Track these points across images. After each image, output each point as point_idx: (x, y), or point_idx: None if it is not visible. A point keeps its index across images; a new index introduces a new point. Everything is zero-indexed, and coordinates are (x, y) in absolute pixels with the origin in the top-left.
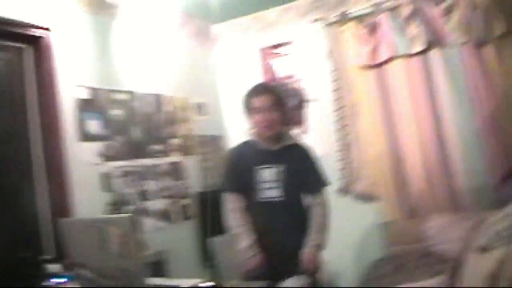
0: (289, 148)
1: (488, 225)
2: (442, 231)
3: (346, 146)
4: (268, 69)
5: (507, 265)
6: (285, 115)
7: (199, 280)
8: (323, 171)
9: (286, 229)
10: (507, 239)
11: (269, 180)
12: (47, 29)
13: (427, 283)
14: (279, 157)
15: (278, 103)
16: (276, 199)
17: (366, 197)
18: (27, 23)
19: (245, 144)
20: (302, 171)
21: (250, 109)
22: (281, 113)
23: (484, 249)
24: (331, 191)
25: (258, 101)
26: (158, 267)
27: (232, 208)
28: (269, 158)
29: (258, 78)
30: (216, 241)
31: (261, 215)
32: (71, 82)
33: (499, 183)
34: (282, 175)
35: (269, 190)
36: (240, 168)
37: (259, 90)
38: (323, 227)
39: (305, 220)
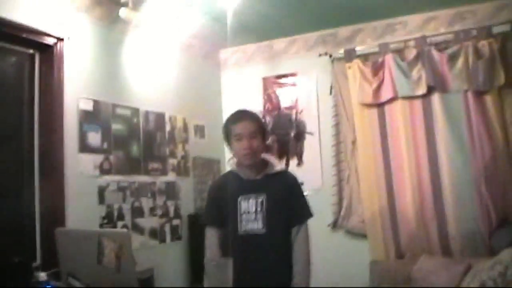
0: (271, 177)
1: (475, 273)
2: (429, 274)
3: (340, 182)
4: (270, 98)
5: None
6: (265, 143)
7: None
8: (307, 201)
9: (268, 265)
10: None
11: (249, 212)
12: (60, 38)
13: None
14: (260, 186)
15: (259, 130)
16: (257, 232)
17: (357, 234)
18: (41, 31)
19: (227, 175)
20: (285, 200)
21: (230, 136)
22: (262, 140)
23: None
24: (322, 225)
25: (238, 128)
26: (147, 285)
27: (209, 244)
28: (250, 188)
29: (260, 106)
30: (207, 266)
31: (241, 250)
32: (77, 93)
33: (489, 232)
34: (263, 206)
35: (250, 223)
36: (220, 200)
37: (239, 116)
38: (307, 266)
39: (289, 254)
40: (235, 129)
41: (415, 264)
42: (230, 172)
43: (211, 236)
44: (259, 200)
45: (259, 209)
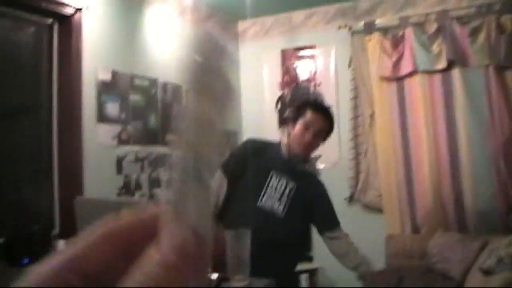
0: (308, 175)
1: (492, 250)
2: (445, 249)
3: (358, 156)
4: (288, 70)
5: None
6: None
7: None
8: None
9: (273, 246)
10: (510, 266)
11: (276, 190)
12: (79, 9)
13: None
14: (295, 175)
15: (327, 132)
16: (275, 213)
17: (373, 208)
18: (60, 1)
19: (269, 144)
20: (316, 204)
21: (301, 117)
22: (323, 141)
23: (486, 273)
24: (339, 199)
25: (315, 120)
26: None
27: (218, 193)
28: (285, 170)
29: (278, 78)
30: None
31: (254, 220)
32: (95, 64)
33: (506, 209)
34: (290, 193)
35: (273, 200)
36: (251, 159)
37: (323, 111)
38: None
39: (293, 248)
40: (313, 118)
41: (431, 239)
42: (273, 144)
43: (222, 185)
44: (289, 186)
45: (286, 193)
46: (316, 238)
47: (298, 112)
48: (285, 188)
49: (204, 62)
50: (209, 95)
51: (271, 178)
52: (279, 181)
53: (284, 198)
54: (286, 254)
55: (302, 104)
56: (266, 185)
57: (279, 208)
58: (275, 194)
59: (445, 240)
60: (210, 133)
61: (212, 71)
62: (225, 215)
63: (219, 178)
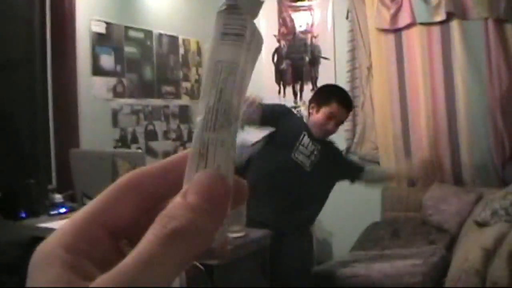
0: (327, 143)
1: (487, 202)
2: (440, 202)
3: (355, 108)
4: (285, 22)
5: (503, 243)
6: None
7: None
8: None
9: (299, 196)
10: (505, 217)
11: (307, 148)
12: None
13: (423, 250)
14: (319, 141)
15: (344, 120)
16: (304, 166)
17: (370, 161)
18: None
19: (298, 116)
20: (340, 165)
21: (324, 105)
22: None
23: (481, 225)
24: None
25: (338, 111)
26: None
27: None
28: (311, 137)
29: (274, 30)
30: None
31: (286, 170)
32: (89, 15)
33: (502, 162)
34: (317, 154)
35: (303, 156)
36: (289, 119)
37: (349, 107)
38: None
39: (316, 201)
40: (338, 111)
41: (427, 192)
42: (301, 117)
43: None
44: (316, 147)
45: (314, 152)
46: None
47: (323, 99)
48: (314, 148)
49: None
50: (244, 43)
51: (303, 137)
52: (309, 141)
53: (312, 156)
54: (308, 207)
55: (329, 94)
56: (299, 141)
57: (307, 163)
58: (305, 150)
59: (440, 192)
60: (243, 84)
61: (246, 20)
62: (252, 165)
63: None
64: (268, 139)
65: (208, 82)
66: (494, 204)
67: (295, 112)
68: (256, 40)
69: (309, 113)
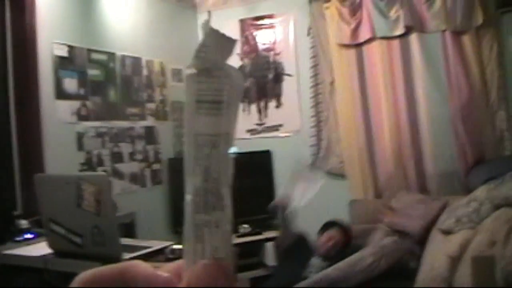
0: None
1: (451, 210)
2: (408, 207)
3: (319, 123)
4: (247, 40)
5: (467, 249)
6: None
7: (169, 242)
8: None
9: None
10: (468, 224)
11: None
12: None
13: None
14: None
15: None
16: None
17: (336, 174)
18: None
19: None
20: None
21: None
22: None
23: (446, 233)
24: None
25: (335, 236)
26: (129, 229)
27: None
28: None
29: (237, 49)
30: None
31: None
32: (51, 39)
33: (465, 170)
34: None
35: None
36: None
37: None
38: None
39: None
40: (331, 233)
41: (394, 198)
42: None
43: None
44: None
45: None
46: None
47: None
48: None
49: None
50: (223, 107)
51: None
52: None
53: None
54: None
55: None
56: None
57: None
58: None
59: (407, 199)
60: (230, 146)
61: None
62: None
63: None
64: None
65: (190, 158)
66: (458, 212)
67: None
68: (236, 84)
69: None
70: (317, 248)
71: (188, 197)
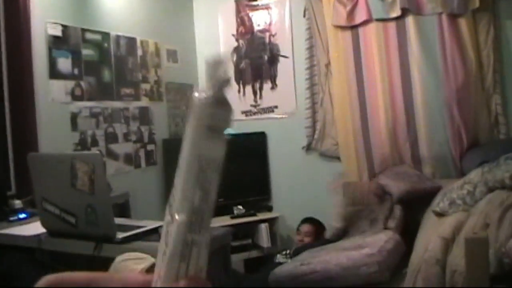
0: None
1: (446, 193)
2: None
3: (314, 105)
4: (243, 21)
5: (461, 231)
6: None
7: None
8: None
9: None
10: (462, 207)
11: None
12: None
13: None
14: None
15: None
16: None
17: (330, 156)
18: None
19: None
20: None
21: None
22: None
23: (440, 215)
24: (297, 148)
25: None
26: (123, 209)
27: None
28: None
29: (233, 29)
30: None
31: None
32: (45, 18)
33: (460, 153)
34: None
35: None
36: None
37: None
38: None
39: None
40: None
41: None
42: None
43: None
44: None
45: None
46: (275, 188)
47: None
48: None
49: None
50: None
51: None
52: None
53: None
54: None
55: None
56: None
57: None
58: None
59: (405, 169)
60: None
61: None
62: None
63: None
64: None
65: (190, 177)
66: (452, 195)
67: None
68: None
69: None
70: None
71: (181, 216)
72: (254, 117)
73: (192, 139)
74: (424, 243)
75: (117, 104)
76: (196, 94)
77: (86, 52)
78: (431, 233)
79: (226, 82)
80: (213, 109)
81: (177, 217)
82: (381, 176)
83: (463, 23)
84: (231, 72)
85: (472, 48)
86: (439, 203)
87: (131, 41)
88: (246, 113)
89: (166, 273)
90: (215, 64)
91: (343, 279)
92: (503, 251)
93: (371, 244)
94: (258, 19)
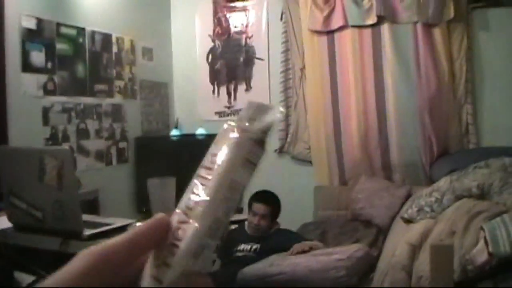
0: (270, 235)
1: (414, 199)
2: (372, 195)
3: (288, 108)
4: (220, 22)
5: (428, 238)
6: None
7: (132, 220)
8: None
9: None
10: (430, 214)
11: (243, 251)
12: None
13: (348, 247)
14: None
15: (273, 212)
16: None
17: (302, 160)
18: None
19: (240, 224)
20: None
21: (251, 210)
22: (271, 221)
23: (408, 221)
24: (269, 151)
25: (258, 208)
26: (92, 206)
27: None
28: (251, 239)
29: (209, 30)
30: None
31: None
32: (18, 10)
33: (430, 161)
34: (256, 250)
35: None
36: (230, 241)
37: (261, 199)
38: None
39: None
40: (255, 207)
41: (356, 184)
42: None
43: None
44: (254, 247)
45: (252, 250)
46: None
47: (249, 205)
48: (250, 248)
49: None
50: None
51: (239, 246)
52: (245, 246)
53: (251, 254)
54: None
55: (250, 200)
56: (236, 249)
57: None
58: (244, 252)
59: (371, 185)
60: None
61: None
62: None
63: None
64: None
65: (218, 193)
66: (420, 201)
67: None
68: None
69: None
70: (248, 227)
71: (204, 222)
72: (227, 118)
73: (230, 164)
74: (391, 248)
75: (90, 100)
76: (246, 124)
77: (60, 46)
78: (399, 239)
79: (272, 127)
80: (255, 147)
81: (198, 223)
82: (356, 200)
83: (437, 32)
84: (278, 117)
85: (446, 58)
86: (408, 209)
87: (107, 37)
88: (219, 114)
89: (176, 264)
90: (265, 109)
91: (310, 282)
92: (467, 259)
93: (341, 252)
94: (235, 21)
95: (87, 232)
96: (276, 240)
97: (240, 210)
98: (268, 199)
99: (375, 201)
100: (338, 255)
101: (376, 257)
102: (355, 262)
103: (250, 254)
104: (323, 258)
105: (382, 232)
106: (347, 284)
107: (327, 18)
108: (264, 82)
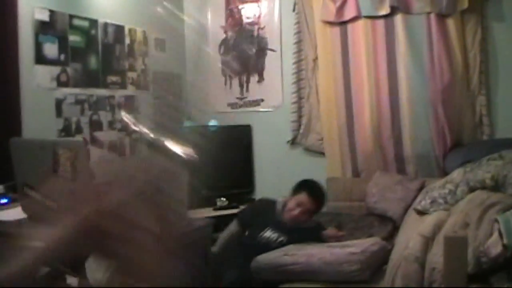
0: (302, 230)
1: (427, 191)
2: (385, 189)
3: (300, 99)
4: (232, 13)
5: (441, 229)
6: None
7: None
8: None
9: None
10: (443, 206)
11: (269, 239)
12: None
13: (363, 241)
14: (288, 231)
15: (316, 210)
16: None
17: (315, 151)
18: None
19: (274, 203)
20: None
21: (297, 199)
22: (310, 217)
23: (421, 213)
24: (282, 142)
25: (306, 202)
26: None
27: (228, 232)
28: (281, 228)
29: (222, 21)
30: None
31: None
32: (31, 2)
33: (443, 153)
34: (280, 243)
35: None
36: (258, 216)
37: (316, 196)
38: None
39: None
40: (304, 199)
41: (370, 180)
42: (278, 203)
43: (234, 228)
44: (280, 239)
45: (277, 242)
46: (259, 182)
47: (296, 190)
48: (276, 239)
49: None
50: None
51: (266, 231)
52: (272, 234)
53: (275, 245)
54: None
55: (301, 185)
56: (261, 234)
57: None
58: (268, 241)
59: (384, 180)
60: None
61: None
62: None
63: (234, 224)
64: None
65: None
66: (434, 193)
67: None
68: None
69: (284, 203)
70: (285, 211)
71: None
72: (240, 109)
73: None
74: (404, 240)
75: (103, 92)
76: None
77: (73, 38)
78: (412, 231)
79: None
80: None
81: None
82: (371, 194)
83: (451, 23)
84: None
85: (459, 49)
86: (421, 201)
87: (119, 29)
88: (232, 105)
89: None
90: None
91: (323, 273)
92: (481, 250)
93: (356, 245)
94: (248, 12)
95: None
96: (305, 236)
97: (252, 201)
98: (321, 197)
99: (388, 195)
100: (352, 249)
101: (389, 250)
102: (369, 256)
103: (275, 244)
104: (337, 251)
105: (397, 228)
106: (359, 278)
107: (340, 9)
108: (277, 73)
